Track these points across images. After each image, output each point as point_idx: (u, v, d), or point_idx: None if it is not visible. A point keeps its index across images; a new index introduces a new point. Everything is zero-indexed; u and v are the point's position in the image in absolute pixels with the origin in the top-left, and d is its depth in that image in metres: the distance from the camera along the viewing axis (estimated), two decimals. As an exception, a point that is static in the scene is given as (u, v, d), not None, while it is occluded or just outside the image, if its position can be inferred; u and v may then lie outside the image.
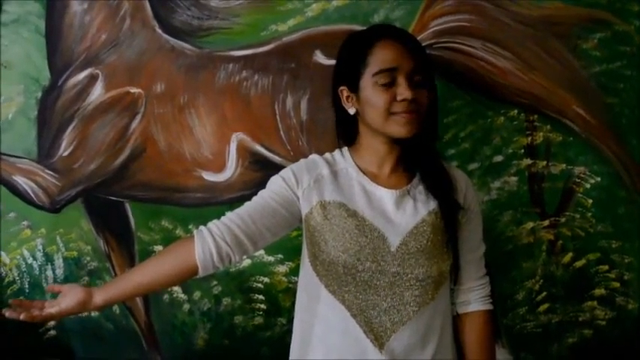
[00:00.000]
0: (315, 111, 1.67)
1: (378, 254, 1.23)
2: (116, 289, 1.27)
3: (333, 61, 1.62)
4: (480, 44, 1.67)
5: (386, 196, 1.27)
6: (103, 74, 1.72)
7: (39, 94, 1.74)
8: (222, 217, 1.29)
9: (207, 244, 1.25)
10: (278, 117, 1.68)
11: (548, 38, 1.68)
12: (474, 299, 1.36)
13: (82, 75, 1.72)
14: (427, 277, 1.25)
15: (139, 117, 1.71)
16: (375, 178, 1.29)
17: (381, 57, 1.20)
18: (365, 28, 1.33)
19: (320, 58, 1.66)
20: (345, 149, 1.34)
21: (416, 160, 1.29)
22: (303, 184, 1.28)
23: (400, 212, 1.26)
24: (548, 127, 1.71)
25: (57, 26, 1.71)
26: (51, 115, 1.73)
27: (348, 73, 1.25)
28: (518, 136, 1.72)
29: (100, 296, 1.24)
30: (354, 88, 1.24)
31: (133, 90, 1.71)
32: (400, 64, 1.19)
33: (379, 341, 1.25)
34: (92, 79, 1.72)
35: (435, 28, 1.67)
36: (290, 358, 1.38)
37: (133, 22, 1.70)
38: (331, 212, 1.25)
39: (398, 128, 1.21)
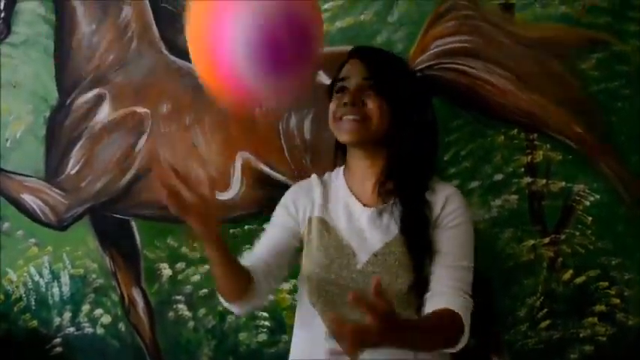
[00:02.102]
0: (318, 131, 1.69)
1: (344, 270, 1.25)
2: (224, 248, 1.18)
3: (336, 82, 1.69)
4: (481, 65, 1.69)
5: (362, 213, 1.28)
6: (111, 94, 1.74)
7: (47, 114, 1.76)
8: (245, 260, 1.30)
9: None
10: (282, 136, 1.71)
11: (547, 58, 1.70)
12: (444, 300, 1.20)
13: (90, 95, 1.75)
14: (394, 294, 1.21)
15: (145, 136, 1.74)
16: (359, 195, 1.31)
17: (340, 73, 1.31)
18: None
19: (323, 78, 1.68)
20: (341, 168, 1.38)
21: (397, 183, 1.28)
22: (300, 209, 1.33)
23: (374, 230, 1.26)
24: (548, 145, 1.73)
25: (65, 47, 1.75)
26: (59, 134, 1.76)
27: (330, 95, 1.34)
28: (518, 154, 1.74)
29: (218, 241, 1.16)
30: None
31: (140, 110, 1.74)
32: (351, 74, 1.28)
33: None
34: (99, 99, 1.74)
35: (437, 49, 1.70)
36: None
37: (141, 43, 1.73)
38: (314, 228, 1.30)
39: (340, 133, 1.27)
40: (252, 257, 1.30)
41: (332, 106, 1.29)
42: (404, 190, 1.26)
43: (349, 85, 1.27)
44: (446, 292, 1.21)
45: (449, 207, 1.26)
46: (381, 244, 1.25)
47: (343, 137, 1.27)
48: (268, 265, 1.28)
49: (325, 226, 1.29)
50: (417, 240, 1.23)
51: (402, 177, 1.27)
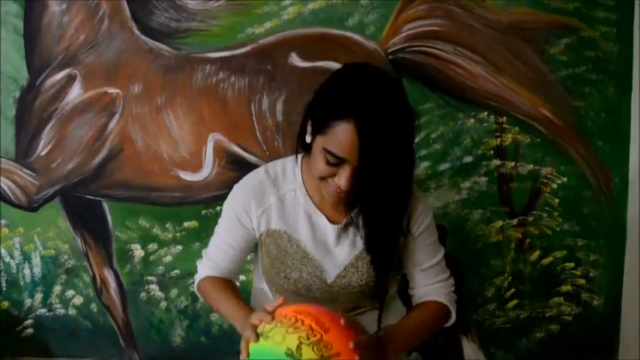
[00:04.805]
0: (290, 112, 1.70)
1: (314, 284, 1.25)
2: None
3: (308, 64, 1.69)
4: (452, 48, 1.71)
5: (329, 228, 1.25)
6: (81, 74, 1.73)
7: (17, 94, 1.74)
8: (208, 265, 1.33)
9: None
10: (254, 118, 1.71)
11: (517, 43, 1.73)
12: (430, 293, 1.30)
13: (60, 75, 1.73)
14: (356, 293, 1.27)
15: (116, 117, 1.73)
16: (320, 204, 1.25)
17: (336, 140, 1.08)
18: (351, 71, 1.15)
19: (295, 60, 1.70)
20: (299, 161, 1.27)
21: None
22: (252, 213, 1.25)
23: (339, 246, 1.26)
24: (517, 129, 1.77)
25: (35, 26, 1.72)
26: (29, 114, 1.74)
27: (313, 117, 1.16)
28: (487, 137, 1.77)
29: None
30: (312, 130, 1.15)
31: (111, 90, 1.73)
32: (350, 157, 1.08)
33: None
34: (70, 79, 1.73)
35: (408, 32, 1.71)
36: None
37: (112, 23, 1.71)
38: (276, 240, 1.26)
39: (327, 195, 1.18)
40: (218, 269, 1.32)
41: (320, 169, 1.12)
42: (369, 209, 1.21)
43: (345, 170, 1.10)
44: (429, 291, 1.30)
45: (414, 215, 1.26)
46: (349, 260, 1.25)
47: (327, 198, 1.19)
48: (236, 270, 1.34)
49: (289, 239, 1.25)
50: (381, 255, 1.24)
51: (370, 197, 1.18)
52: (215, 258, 1.31)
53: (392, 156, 1.09)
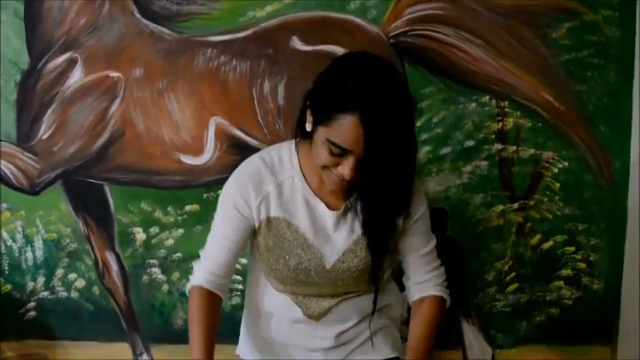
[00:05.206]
0: (291, 96, 1.69)
1: (313, 270, 1.26)
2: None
3: (309, 47, 1.69)
4: (453, 32, 1.71)
5: (328, 214, 1.26)
6: (82, 58, 1.72)
7: (18, 78, 1.74)
8: (204, 267, 1.29)
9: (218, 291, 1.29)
10: (256, 101, 1.71)
11: (519, 27, 1.72)
12: (425, 288, 1.34)
13: (62, 59, 1.73)
14: (362, 280, 1.29)
15: (118, 101, 1.73)
16: (318, 189, 1.26)
17: (341, 132, 1.09)
18: (354, 61, 1.16)
19: (297, 44, 1.69)
20: (294, 157, 1.28)
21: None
22: (252, 202, 1.25)
23: (338, 231, 1.27)
24: (518, 113, 1.77)
25: (36, 10, 1.71)
26: (30, 98, 1.74)
27: (315, 107, 1.16)
28: (489, 121, 1.77)
29: None
30: (314, 119, 1.16)
31: (112, 74, 1.72)
32: (355, 148, 1.10)
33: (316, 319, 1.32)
34: (71, 63, 1.73)
35: (410, 16, 1.70)
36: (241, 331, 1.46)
37: (112, 6, 1.71)
38: (275, 227, 1.26)
39: (329, 183, 1.19)
40: (215, 265, 1.28)
41: (323, 159, 1.14)
42: (369, 195, 1.22)
43: (349, 160, 1.12)
44: (424, 279, 1.33)
45: (413, 200, 1.28)
46: (347, 245, 1.27)
47: (328, 185, 1.20)
48: (232, 267, 1.30)
49: (288, 225, 1.26)
50: (378, 239, 1.26)
51: (371, 184, 1.19)
52: (213, 255, 1.29)
53: (396, 144, 1.11)
